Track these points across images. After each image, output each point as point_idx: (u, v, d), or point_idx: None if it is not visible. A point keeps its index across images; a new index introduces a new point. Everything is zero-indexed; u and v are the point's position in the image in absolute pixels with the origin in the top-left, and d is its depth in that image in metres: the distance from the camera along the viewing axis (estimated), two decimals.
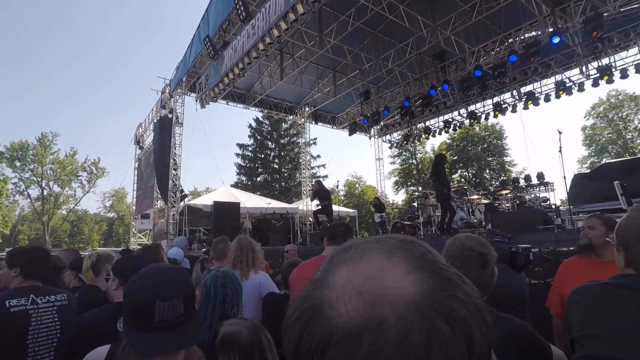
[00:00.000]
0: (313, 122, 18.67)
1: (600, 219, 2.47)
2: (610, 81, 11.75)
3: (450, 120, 16.78)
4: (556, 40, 9.17)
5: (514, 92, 14.72)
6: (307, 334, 0.34)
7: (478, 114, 15.73)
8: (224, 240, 3.42)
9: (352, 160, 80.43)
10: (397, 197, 37.34)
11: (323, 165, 33.99)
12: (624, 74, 11.89)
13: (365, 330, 0.32)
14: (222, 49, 11.31)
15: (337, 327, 0.33)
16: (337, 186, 19.17)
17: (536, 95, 13.82)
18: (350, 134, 16.86)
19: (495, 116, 15.13)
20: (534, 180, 12.69)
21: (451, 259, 1.49)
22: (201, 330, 1.19)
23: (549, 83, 13.95)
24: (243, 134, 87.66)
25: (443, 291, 0.35)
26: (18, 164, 38.34)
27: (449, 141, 35.14)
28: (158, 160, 14.93)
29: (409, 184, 36.62)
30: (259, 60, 10.70)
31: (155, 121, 16.15)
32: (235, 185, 31.26)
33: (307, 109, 18.04)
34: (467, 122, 16.54)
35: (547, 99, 13.58)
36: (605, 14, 9.08)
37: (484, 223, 9.64)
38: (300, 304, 0.38)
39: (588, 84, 12.53)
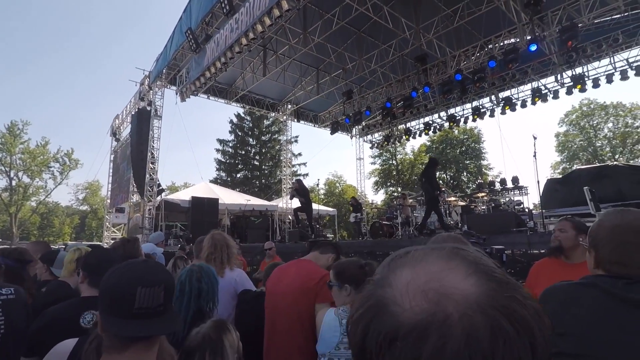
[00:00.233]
0: (295, 120, 18.60)
1: (571, 222, 2.55)
2: (583, 90, 12.19)
3: (431, 122, 17.03)
4: (533, 48, 9.43)
5: (493, 97, 15.07)
6: (373, 329, 0.36)
7: (457, 118, 16.03)
8: None
9: (333, 159, 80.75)
10: (376, 197, 37.72)
11: (304, 164, 33.97)
12: (596, 84, 12.35)
13: (431, 326, 0.34)
14: (204, 42, 11.11)
15: (403, 322, 0.35)
16: (318, 185, 19.15)
17: (513, 101, 14.20)
18: (332, 133, 16.89)
19: (474, 120, 15.45)
20: (509, 184, 13.04)
21: None
22: (178, 323, 1.18)
23: (525, 89, 14.35)
24: (224, 130, 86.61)
25: (503, 292, 0.37)
26: None
27: (428, 143, 35.72)
28: (135, 153, 14.57)
29: (388, 184, 37.01)
30: (241, 56, 10.56)
31: (133, 113, 15.74)
32: (215, 181, 30.83)
33: (289, 106, 17.96)
34: (446, 125, 16.83)
35: (524, 105, 13.96)
36: (580, 25, 9.40)
37: (460, 225, 9.84)
38: (363, 302, 0.40)
39: (562, 91, 12.96)
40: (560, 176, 17.58)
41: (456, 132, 33.00)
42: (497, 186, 13.73)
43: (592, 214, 6.30)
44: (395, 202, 12.21)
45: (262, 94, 17.06)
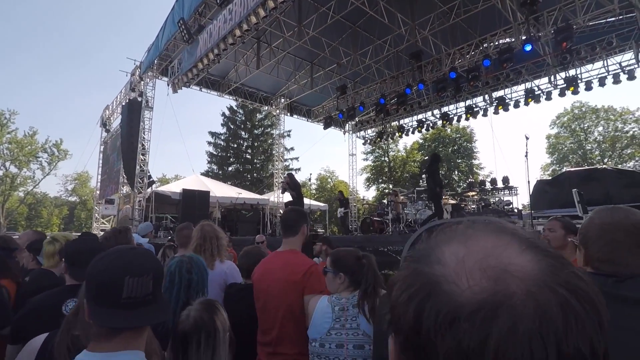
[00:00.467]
0: (288, 114, 18.51)
1: (560, 222, 2.55)
2: (575, 92, 12.26)
3: (424, 120, 17.05)
4: (528, 48, 9.45)
5: (486, 96, 15.12)
6: (429, 309, 0.34)
7: (451, 116, 16.07)
8: (188, 226, 3.26)
9: (325, 154, 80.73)
10: (368, 194, 37.80)
11: (296, 158, 33.90)
12: (589, 86, 12.42)
13: (500, 305, 0.32)
14: (196, 33, 10.95)
15: (463, 302, 0.33)
16: (310, 180, 19.17)
17: (506, 100, 14.25)
18: (325, 128, 16.83)
19: (467, 119, 15.50)
20: (500, 184, 13.14)
21: None
22: (168, 312, 1.17)
23: (519, 90, 14.42)
24: (216, 122, 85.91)
25: (562, 269, 0.35)
26: None
27: (421, 141, 35.83)
28: (125, 144, 14.38)
29: (380, 181, 37.10)
30: (235, 47, 10.44)
31: (123, 104, 15.52)
32: (206, 174, 30.62)
33: (282, 100, 17.85)
34: (439, 123, 16.86)
35: (517, 105, 14.03)
36: (575, 26, 9.44)
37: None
38: (410, 280, 0.38)
39: (555, 93, 13.03)
40: (550, 178, 17.77)
41: (449, 130, 33.12)
42: (488, 186, 13.84)
43: (579, 215, 6.36)
44: (386, 198, 12.23)
45: (255, 87, 16.93)
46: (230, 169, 34.46)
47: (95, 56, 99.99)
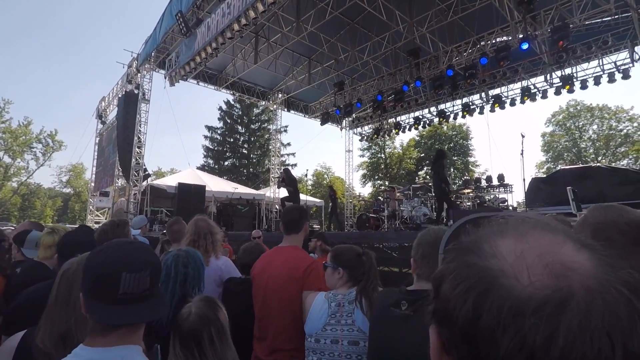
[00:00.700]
0: (285, 109, 18.47)
1: (555, 220, 2.59)
2: (571, 91, 12.33)
3: (421, 117, 17.08)
4: (525, 46, 9.50)
5: (483, 94, 15.16)
6: (490, 303, 0.34)
7: (447, 113, 16.11)
8: (178, 221, 3.20)
9: (322, 150, 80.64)
10: (364, 190, 37.90)
11: (293, 154, 33.86)
12: (584, 85, 12.50)
13: (565, 301, 0.32)
14: (194, 26, 10.89)
15: (526, 297, 0.33)
16: (306, 175, 19.17)
17: (503, 98, 14.31)
18: (322, 124, 16.83)
19: (464, 116, 15.55)
20: (495, 182, 13.21)
21: (424, 245, 1.55)
22: (165, 307, 1.15)
23: (515, 88, 14.46)
24: (212, 116, 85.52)
25: (620, 269, 0.35)
26: None
27: (417, 138, 35.92)
28: (121, 136, 14.32)
29: (376, 177, 37.21)
30: (233, 42, 10.39)
31: (120, 96, 15.43)
32: (202, 168, 30.55)
33: (280, 95, 17.80)
34: (436, 120, 16.91)
35: (513, 103, 14.08)
36: (571, 25, 9.50)
37: (445, 220, 9.95)
38: (466, 273, 0.38)
39: (551, 91, 13.09)
40: (545, 175, 17.90)
41: (445, 128, 33.24)
42: (483, 183, 13.90)
43: (573, 213, 6.44)
44: (382, 195, 12.28)
45: (253, 81, 16.87)
46: (226, 163, 34.38)
47: (91, 47, 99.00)
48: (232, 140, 34.57)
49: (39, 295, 1.70)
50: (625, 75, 11.73)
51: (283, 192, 11.73)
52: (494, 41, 11.76)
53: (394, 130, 18.26)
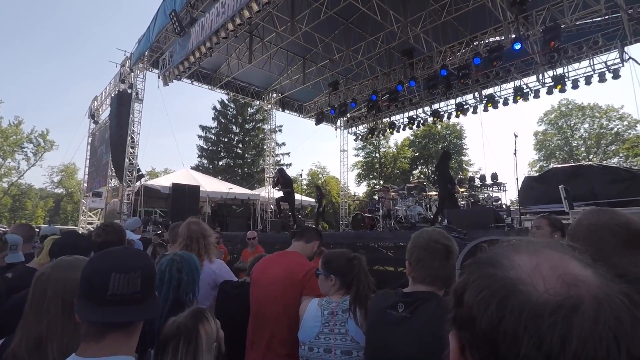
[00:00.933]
0: (280, 109, 18.44)
1: (547, 220, 2.63)
2: (562, 90, 12.46)
3: (415, 117, 17.15)
4: (517, 46, 9.58)
5: (476, 94, 15.26)
6: (512, 307, 0.39)
7: (441, 113, 16.20)
8: (181, 224, 3.24)
9: (316, 150, 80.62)
10: (358, 190, 37.97)
11: (288, 154, 33.84)
12: (575, 85, 12.64)
13: (577, 306, 0.37)
14: (188, 25, 10.84)
15: (542, 302, 0.38)
16: (301, 175, 19.16)
17: (496, 98, 14.42)
18: (316, 124, 16.82)
19: (457, 116, 15.63)
20: (489, 180, 13.30)
21: (418, 249, 1.55)
22: (157, 311, 1.16)
23: (508, 88, 14.56)
24: (206, 116, 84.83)
25: (618, 283, 0.41)
26: None
27: (412, 137, 36.05)
28: (114, 136, 14.22)
29: (371, 177, 37.28)
30: (227, 41, 10.37)
31: (113, 95, 15.33)
32: (196, 168, 30.42)
33: (274, 95, 17.78)
34: (430, 120, 16.99)
35: (506, 102, 14.20)
36: (562, 25, 9.60)
37: (440, 219, 10.00)
38: (487, 282, 0.43)
39: (543, 91, 13.22)
40: (537, 174, 18.06)
41: (439, 127, 33.39)
42: (477, 182, 13.99)
43: (565, 211, 6.51)
44: (377, 194, 12.32)
45: (247, 81, 16.83)
46: (221, 163, 34.26)
47: (84, 46, 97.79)
48: (226, 140, 34.46)
49: (25, 302, 1.72)
50: (616, 75, 11.87)
51: (278, 192, 11.71)
52: (487, 41, 11.85)
53: (388, 130, 18.32)
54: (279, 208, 11.83)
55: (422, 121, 17.45)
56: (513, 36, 10.09)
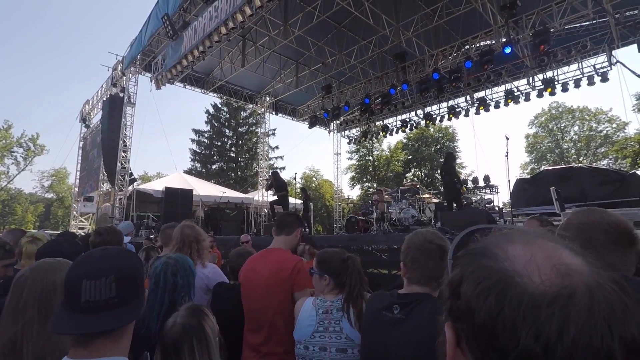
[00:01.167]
0: (273, 113, 18.45)
1: (538, 221, 2.67)
2: (552, 93, 12.65)
3: (408, 120, 17.27)
4: (508, 50, 9.71)
5: (468, 97, 15.42)
6: (510, 299, 0.40)
7: (434, 116, 16.33)
8: (174, 226, 3.21)
9: (310, 153, 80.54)
10: (352, 193, 38.00)
11: (281, 157, 33.78)
12: (565, 88, 12.83)
13: (572, 295, 0.38)
14: (181, 29, 10.82)
15: (539, 293, 0.39)
16: (295, 178, 19.18)
17: (487, 101, 14.59)
18: (310, 127, 16.85)
19: (450, 119, 15.78)
20: (481, 183, 13.41)
21: (413, 249, 1.56)
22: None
23: (499, 91, 14.75)
24: (199, 120, 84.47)
25: (606, 272, 0.42)
26: None
27: (405, 141, 36.19)
28: (106, 140, 14.09)
29: (364, 180, 37.32)
30: (220, 45, 10.37)
31: (104, 99, 15.20)
32: (189, 172, 30.23)
33: (267, 98, 17.78)
34: (422, 123, 17.12)
35: (497, 105, 14.37)
36: (552, 30, 9.75)
37: (433, 221, 10.05)
38: (484, 274, 0.43)
39: (533, 94, 13.42)
40: (529, 176, 18.24)
41: (432, 130, 33.56)
42: (469, 184, 14.09)
43: (557, 213, 6.59)
44: (372, 197, 12.35)
45: (240, 85, 16.82)
46: (214, 167, 34.11)
47: (75, 49, 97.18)
48: (219, 143, 34.33)
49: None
50: (604, 78, 12.08)
51: (272, 196, 11.69)
52: (478, 45, 11.98)
53: (381, 133, 18.41)
54: (272, 211, 11.78)
55: (414, 124, 17.58)
56: (503, 40, 10.22)
